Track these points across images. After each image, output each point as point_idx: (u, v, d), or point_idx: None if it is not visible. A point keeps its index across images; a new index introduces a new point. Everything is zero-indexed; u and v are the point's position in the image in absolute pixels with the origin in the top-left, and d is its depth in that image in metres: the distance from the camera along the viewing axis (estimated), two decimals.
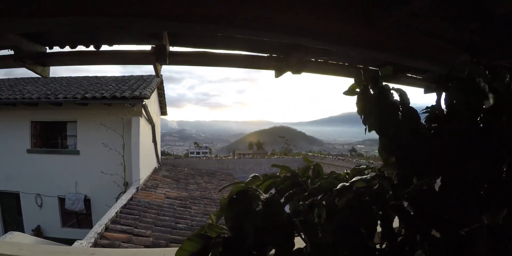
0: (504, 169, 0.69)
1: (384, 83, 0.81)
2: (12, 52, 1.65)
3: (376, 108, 0.78)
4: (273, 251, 0.63)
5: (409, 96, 0.80)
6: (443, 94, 0.78)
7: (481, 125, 0.73)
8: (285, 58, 1.82)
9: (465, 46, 1.46)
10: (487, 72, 0.73)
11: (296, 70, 1.88)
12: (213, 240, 0.60)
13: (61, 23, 1.31)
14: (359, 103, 0.81)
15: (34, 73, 1.80)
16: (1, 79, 9.67)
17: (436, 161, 0.73)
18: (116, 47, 1.75)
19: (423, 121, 0.80)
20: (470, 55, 1.20)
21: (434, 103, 0.80)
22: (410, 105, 0.78)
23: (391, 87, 0.80)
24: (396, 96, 0.80)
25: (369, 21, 1.30)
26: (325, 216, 0.71)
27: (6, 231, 5.55)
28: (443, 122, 0.77)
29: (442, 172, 0.72)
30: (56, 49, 1.73)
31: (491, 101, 0.69)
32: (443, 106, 0.78)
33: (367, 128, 0.80)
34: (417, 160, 0.74)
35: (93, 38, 1.66)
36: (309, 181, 0.86)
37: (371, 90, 0.81)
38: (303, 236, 0.71)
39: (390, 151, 0.79)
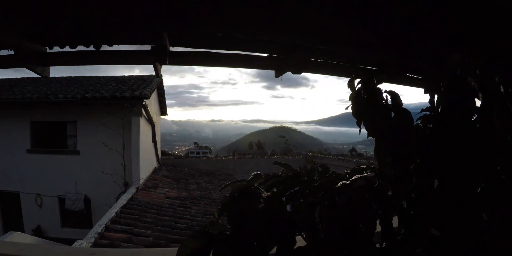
0: (499, 167, 0.70)
1: (377, 86, 0.82)
2: (12, 52, 1.65)
3: (369, 111, 0.79)
4: (274, 249, 0.63)
5: (409, 96, 0.81)
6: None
7: (477, 124, 0.74)
8: (285, 58, 1.82)
9: (465, 46, 1.46)
10: (477, 72, 0.74)
11: (296, 70, 1.88)
12: (215, 237, 0.60)
13: (61, 23, 1.31)
14: (353, 106, 0.83)
15: (34, 73, 1.81)
16: (1, 79, 9.66)
17: (432, 160, 0.74)
18: (116, 47, 1.75)
19: (418, 122, 0.81)
20: (466, 55, 1.21)
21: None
22: (402, 106, 0.79)
23: (383, 90, 0.81)
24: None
25: (369, 21, 1.30)
26: (325, 215, 0.71)
27: (6, 231, 5.55)
28: (437, 122, 0.78)
29: (439, 171, 0.72)
30: (56, 49, 1.73)
31: (481, 100, 0.70)
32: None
33: (361, 130, 0.82)
34: (413, 160, 0.75)
35: (93, 38, 1.67)
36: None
37: (363, 93, 0.82)
38: (304, 235, 0.71)
39: (385, 151, 0.80)
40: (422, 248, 0.69)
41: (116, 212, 4.84)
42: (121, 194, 6.43)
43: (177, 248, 0.61)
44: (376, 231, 0.70)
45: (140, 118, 7.32)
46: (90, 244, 3.60)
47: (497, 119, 0.69)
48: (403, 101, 0.81)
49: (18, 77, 9.78)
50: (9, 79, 9.71)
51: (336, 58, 1.94)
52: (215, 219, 0.65)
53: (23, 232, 5.26)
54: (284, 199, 0.75)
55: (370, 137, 0.81)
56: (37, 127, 7.95)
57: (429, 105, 0.81)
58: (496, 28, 1.03)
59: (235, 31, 1.36)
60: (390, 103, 0.81)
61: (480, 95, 0.73)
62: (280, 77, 1.99)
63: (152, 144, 9.31)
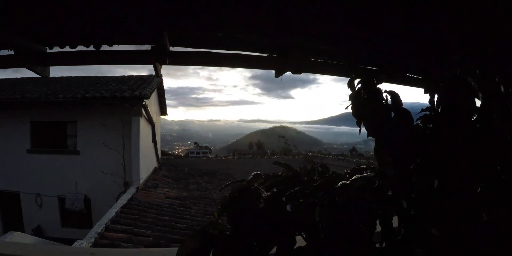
0: (499, 167, 0.70)
1: (377, 86, 0.82)
2: (12, 52, 1.65)
3: (369, 111, 0.79)
4: (274, 249, 0.63)
5: (409, 96, 0.81)
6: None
7: (477, 124, 0.74)
8: (285, 58, 1.82)
9: (465, 46, 1.46)
10: (477, 72, 0.74)
11: (296, 70, 1.88)
12: (215, 237, 0.60)
13: (61, 23, 1.31)
14: (353, 106, 0.83)
15: (34, 73, 1.81)
16: (1, 79, 9.67)
17: (432, 160, 0.74)
18: (116, 47, 1.75)
19: (418, 122, 0.81)
20: (466, 55, 1.22)
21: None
22: (402, 106, 0.79)
23: (383, 90, 0.81)
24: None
25: (369, 21, 1.30)
26: (325, 215, 0.71)
27: (6, 231, 5.54)
28: (437, 122, 0.78)
29: (439, 171, 0.72)
30: (56, 49, 1.73)
31: (481, 100, 0.70)
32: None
33: (361, 130, 0.83)
34: (413, 160, 0.75)
35: (93, 38, 1.67)
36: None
37: (363, 93, 0.82)
38: (304, 235, 0.71)
39: (385, 151, 0.80)
40: (422, 248, 0.69)
41: (116, 212, 4.84)
42: (121, 194, 6.43)
43: (177, 248, 0.61)
44: (376, 231, 0.70)
45: (140, 118, 7.32)
46: (90, 244, 3.60)
47: (497, 119, 0.69)
48: (403, 101, 0.81)
49: (18, 77, 9.78)
50: (9, 79, 9.71)
51: (336, 58, 1.94)
52: (215, 219, 0.65)
53: (23, 232, 5.26)
54: (284, 199, 0.75)
55: (370, 137, 0.81)
56: (37, 127, 7.95)
57: (429, 105, 0.81)
58: (496, 28, 1.03)
59: (235, 31, 1.36)
60: (390, 103, 0.82)
61: (480, 95, 0.73)
62: (280, 77, 1.99)
63: (152, 144, 9.31)
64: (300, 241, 0.68)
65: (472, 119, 0.76)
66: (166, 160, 12.58)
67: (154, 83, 8.38)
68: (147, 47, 1.73)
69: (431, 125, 0.79)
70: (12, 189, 7.70)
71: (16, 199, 7.75)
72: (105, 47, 1.71)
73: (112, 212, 4.80)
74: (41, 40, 1.66)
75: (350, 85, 0.85)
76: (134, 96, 6.99)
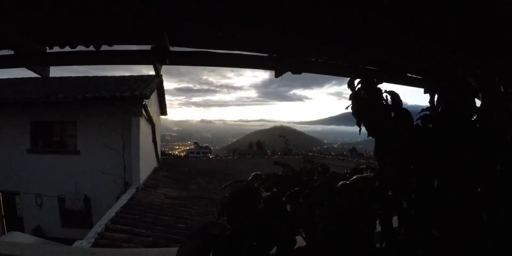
0: (498, 167, 0.70)
1: (377, 86, 0.82)
2: (12, 52, 1.65)
3: (369, 111, 0.80)
4: (274, 249, 0.63)
5: (410, 96, 0.81)
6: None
7: (476, 124, 0.74)
8: (285, 58, 1.83)
9: (465, 46, 1.46)
10: (477, 72, 0.74)
11: (296, 70, 1.89)
12: (215, 237, 0.60)
13: (61, 23, 1.31)
14: (353, 106, 0.83)
15: (34, 73, 1.81)
16: (1, 79, 9.67)
17: (432, 160, 0.74)
18: (116, 47, 1.75)
19: (418, 122, 0.81)
20: (466, 55, 1.22)
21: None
22: (402, 106, 0.79)
23: (383, 90, 0.82)
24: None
25: (369, 21, 1.30)
26: (325, 215, 0.71)
27: (6, 231, 5.54)
28: (437, 122, 0.78)
29: (439, 171, 0.72)
30: (56, 49, 1.73)
31: (481, 100, 0.70)
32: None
33: (361, 130, 0.83)
34: (413, 160, 0.75)
35: (93, 38, 1.67)
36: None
37: (363, 93, 0.83)
38: (304, 235, 0.72)
39: (385, 151, 0.80)
40: (422, 248, 0.69)
41: (116, 212, 4.84)
42: (121, 194, 6.43)
43: (177, 248, 0.61)
44: (376, 231, 0.70)
45: (140, 118, 7.32)
46: (90, 244, 3.60)
47: (497, 119, 0.70)
48: (403, 101, 0.81)
49: (18, 77, 9.78)
50: (9, 79, 9.71)
51: (336, 58, 1.94)
52: (215, 219, 0.65)
53: (23, 232, 5.27)
54: (284, 199, 0.75)
55: (370, 137, 0.81)
56: (37, 127, 7.94)
57: (429, 105, 0.81)
58: (496, 28, 1.03)
59: (235, 31, 1.36)
60: (390, 103, 0.82)
61: (480, 95, 0.73)
62: (280, 77, 1.99)
63: (152, 144, 9.31)
64: (300, 241, 0.68)
65: (472, 119, 0.76)
66: (166, 160, 12.59)
67: (154, 83, 8.37)
68: (147, 47, 1.73)
69: (431, 125, 0.79)
70: (12, 189, 7.70)
71: (16, 199, 7.76)
72: (105, 47, 1.71)
73: (112, 212, 4.80)
74: (41, 40, 1.66)
75: (350, 85, 0.85)
76: (134, 96, 6.99)
